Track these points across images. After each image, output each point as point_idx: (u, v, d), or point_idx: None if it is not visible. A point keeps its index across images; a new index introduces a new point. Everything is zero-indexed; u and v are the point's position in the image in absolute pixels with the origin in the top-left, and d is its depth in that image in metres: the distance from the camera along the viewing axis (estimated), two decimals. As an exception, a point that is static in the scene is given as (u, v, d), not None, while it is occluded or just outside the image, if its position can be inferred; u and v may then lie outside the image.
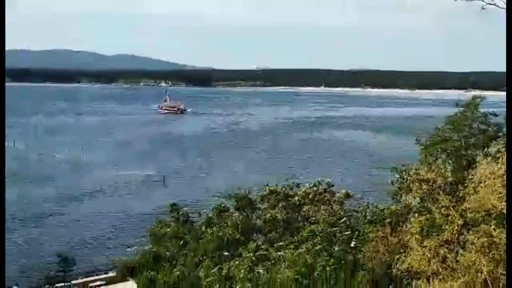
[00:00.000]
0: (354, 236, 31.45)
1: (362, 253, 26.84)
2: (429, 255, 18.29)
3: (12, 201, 69.30)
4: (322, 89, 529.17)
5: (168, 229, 40.81)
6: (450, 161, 33.06)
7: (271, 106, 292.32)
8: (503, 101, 19.33)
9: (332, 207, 39.46)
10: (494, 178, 18.42)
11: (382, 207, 34.34)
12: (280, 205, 40.88)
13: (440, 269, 18.10)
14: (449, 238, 18.49)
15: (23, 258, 54.14)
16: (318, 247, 26.69)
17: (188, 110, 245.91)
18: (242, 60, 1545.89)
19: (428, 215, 19.91)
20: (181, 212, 42.37)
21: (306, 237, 30.19)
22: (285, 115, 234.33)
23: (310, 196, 40.95)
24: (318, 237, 29.29)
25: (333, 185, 42.36)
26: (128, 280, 41.06)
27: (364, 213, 37.61)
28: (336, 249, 28.43)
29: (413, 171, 24.45)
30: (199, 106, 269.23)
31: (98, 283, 45.04)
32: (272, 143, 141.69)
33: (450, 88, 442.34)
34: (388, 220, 27.73)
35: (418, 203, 24.08)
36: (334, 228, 32.90)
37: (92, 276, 47.41)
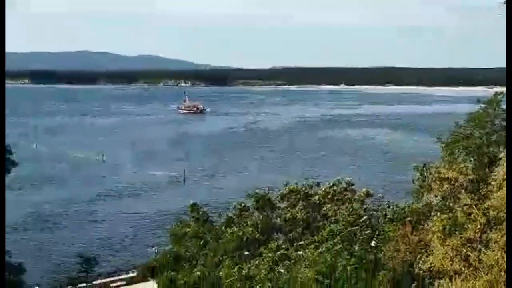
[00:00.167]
0: (375, 235, 31.21)
1: (382, 252, 26.61)
2: (451, 254, 18.06)
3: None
4: (341, 87, 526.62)
5: (188, 229, 40.91)
6: (471, 159, 32.66)
7: (290, 105, 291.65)
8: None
9: (353, 206, 39.25)
10: (517, 176, 18.10)
11: (403, 206, 34.05)
12: (300, 204, 40.76)
13: (463, 268, 17.87)
14: (472, 237, 18.25)
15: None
16: (339, 246, 26.52)
17: (208, 109, 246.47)
18: (261, 59, 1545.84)
19: (450, 214, 19.67)
20: (201, 212, 42.45)
21: (327, 236, 30.03)
22: (304, 114, 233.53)
23: (330, 195, 40.78)
24: (338, 236, 29.12)
25: (353, 184, 42.14)
26: (148, 280, 41.25)
27: (384, 212, 37.35)
28: (356, 248, 28.23)
29: (434, 169, 24.18)
30: (218, 106, 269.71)
31: (119, 283, 45.30)
32: (290, 142, 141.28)
33: (474, 85, 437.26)
34: (409, 218, 27.47)
35: (440, 201, 23.81)
36: (355, 227, 32.69)
37: (113, 276, 47.72)
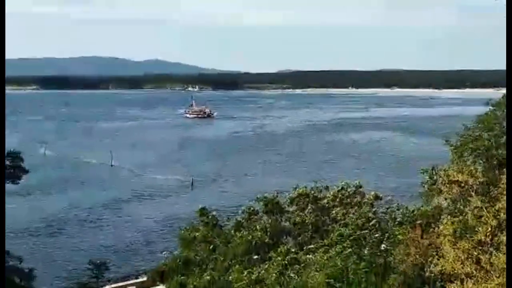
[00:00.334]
0: (385, 239, 31.14)
1: (392, 255, 26.54)
2: (462, 257, 17.99)
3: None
4: (350, 90, 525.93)
5: (198, 233, 40.93)
6: (481, 161, 32.58)
7: (297, 109, 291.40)
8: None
9: (362, 209, 39.17)
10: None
11: (412, 209, 33.97)
12: (309, 207, 40.72)
13: (474, 271, 17.81)
14: (483, 240, 18.18)
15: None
16: (349, 250, 26.48)
17: (215, 113, 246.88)
18: (269, 63, 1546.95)
19: (460, 217, 19.62)
20: (210, 216, 42.46)
21: (336, 240, 29.99)
22: (311, 118, 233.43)
23: (339, 199, 40.73)
24: (348, 240, 29.08)
25: (361, 187, 42.06)
26: (158, 285, 41.29)
27: (393, 215, 37.27)
28: (366, 252, 28.17)
29: (443, 172, 24.11)
30: (225, 110, 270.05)
31: (129, 288, 45.39)
32: (297, 146, 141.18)
33: (482, 87, 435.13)
34: (419, 221, 27.40)
35: (450, 204, 23.75)
36: (364, 231, 32.64)
37: (124, 281, 47.80)
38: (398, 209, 37.42)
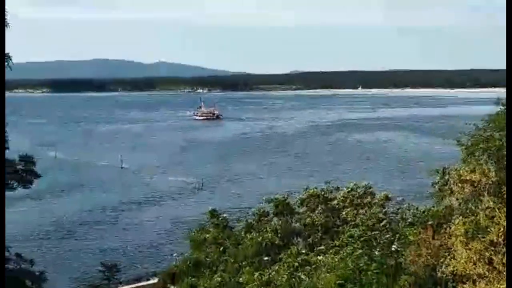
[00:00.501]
0: (395, 239, 30.98)
1: (404, 256, 26.39)
2: (474, 258, 17.86)
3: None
4: (358, 90, 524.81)
5: (208, 235, 40.92)
6: (492, 161, 32.29)
7: (307, 110, 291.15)
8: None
9: (372, 210, 39.02)
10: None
11: (423, 209, 33.77)
12: (319, 208, 40.61)
13: (486, 272, 17.67)
14: (495, 240, 18.02)
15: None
16: (359, 251, 26.34)
17: (224, 115, 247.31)
18: (278, 64, 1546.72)
19: (472, 217, 19.47)
20: (220, 218, 42.44)
21: (346, 241, 29.85)
22: (321, 118, 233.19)
23: (349, 200, 40.59)
24: (358, 241, 28.94)
25: (371, 187, 41.91)
26: (169, 287, 41.30)
27: (403, 215, 37.08)
28: (377, 253, 28.03)
29: (454, 171, 23.94)
30: (234, 111, 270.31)
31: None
32: (306, 147, 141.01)
33: (494, 86, 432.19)
34: (430, 222, 27.22)
35: (461, 204, 23.56)
36: (375, 232, 32.47)
37: (135, 283, 47.90)
38: (408, 210, 37.24)
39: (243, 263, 35.88)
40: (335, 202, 40.62)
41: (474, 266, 17.87)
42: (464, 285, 17.94)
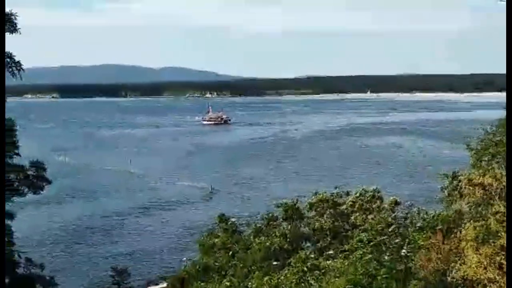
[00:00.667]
0: (405, 244, 30.88)
1: (413, 261, 26.30)
2: (485, 263, 17.78)
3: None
4: (367, 95, 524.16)
5: (217, 240, 40.93)
6: (502, 165, 32.15)
7: (316, 114, 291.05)
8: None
9: (381, 214, 38.91)
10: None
11: (433, 214, 33.65)
12: (328, 213, 40.55)
13: (497, 277, 17.59)
14: (506, 245, 17.92)
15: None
16: (369, 256, 26.27)
17: (232, 120, 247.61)
18: (287, 69, 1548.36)
19: (483, 222, 19.38)
20: (229, 223, 42.44)
21: (356, 246, 29.79)
22: (329, 123, 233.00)
23: (358, 204, 40.51)
24: (368, 246, 28.88)
25: (379, 192, 41.80)
26: (178, 291, 41.33)
27: (412, 220, 36.95)
28: (386, 257, 27.94)
29: (463, 176, 23.85)
30: (243, 116, 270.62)
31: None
32: (316, 152, 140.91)
33: (502, 90, 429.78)
34: (439, 227, 27.12)
35: (471, 208, 23.45)
36: (384, 237, 32.37)
37: None
38: (418, 213, 37.12)
39: (252, 267, 35.86)
40: (344, 207, 40.54)
41: (485, 271, 17.79)
42: (475, 290, 17.86)
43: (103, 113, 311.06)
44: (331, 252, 34.58)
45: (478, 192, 20.50)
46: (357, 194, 41.31)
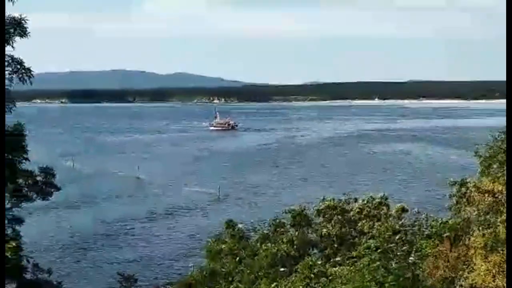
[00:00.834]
0: (412, 251, 30.75)
1: (421, 269, 26.17)
2: (494, 271, 17.67)
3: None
4: (375, 101, 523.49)
5: (224, 246, 40.86)
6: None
7: (324, 120, 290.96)
8: None
9: (388, 221, 38.77)
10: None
11: (440, 221, 33.50)
12: (335, 219, 40.42)
13: (506, 285, 17.46)
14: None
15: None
16: (376, 263, 26.17)
17: (239, 125, 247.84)
18: (295, 75, 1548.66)
19: (491, 229, 19.27)
20: (236, 229, 42.36)
21: (363, 253, 29.69)
22: (337, 129, 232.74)
23: (365, 211, 40.38)
24: (375, 253, 28.78)
25: (387, 198, 41.66)
26: (185, 297, 41.24)
27: (420, 227, 36.79)
28: (394, 265, 27.82)
29: (472, 183, 23.74)
30: (250, 122, 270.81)
31: (156, 300, 45.49)
32: (322, 158, 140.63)
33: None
34: (447, 234, 27.00)
35: (480, 216, 23.34)
36: (391, 244, 32.24)
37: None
38: (426, 220, 36.96)
39: (259, 273, 35.78)
40: (351, 213, 40.41)
41: (493, 278, 17.68)
42: (483, 298, 17.76)
43: (111, 119, 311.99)
44: (338, 258, 34.43)
45: (487, 199, 20.40)
46: (365, 201, 41.20)
